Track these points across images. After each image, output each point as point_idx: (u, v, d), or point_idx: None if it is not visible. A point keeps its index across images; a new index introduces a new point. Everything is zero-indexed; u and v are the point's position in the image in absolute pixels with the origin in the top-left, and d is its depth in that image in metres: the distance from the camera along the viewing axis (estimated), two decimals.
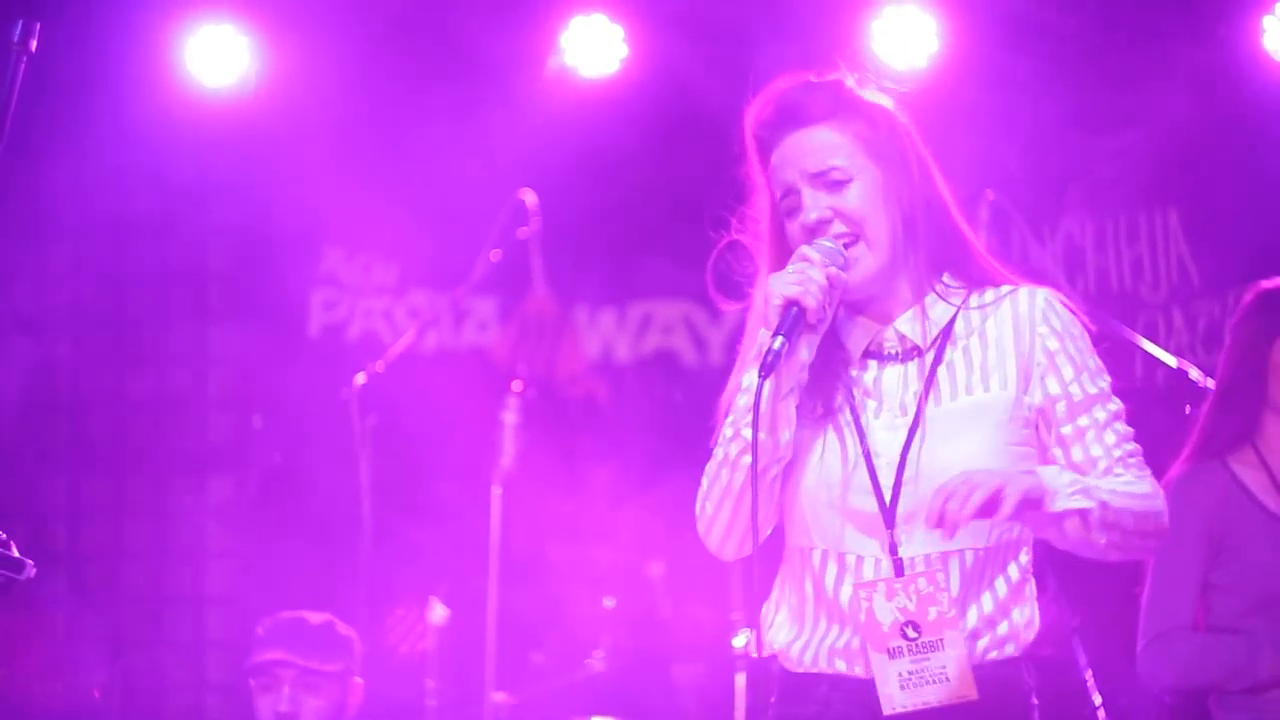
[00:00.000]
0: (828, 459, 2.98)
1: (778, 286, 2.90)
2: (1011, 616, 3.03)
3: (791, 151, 3.05)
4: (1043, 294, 3.04)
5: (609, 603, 6.09)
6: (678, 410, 6.66)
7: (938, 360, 2.99)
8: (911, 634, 2.92)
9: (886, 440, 2.97)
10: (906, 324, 3.01)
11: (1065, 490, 2.85)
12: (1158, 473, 4.09)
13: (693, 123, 6.58)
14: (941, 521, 2.75)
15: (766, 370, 2.85)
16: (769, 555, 3.06)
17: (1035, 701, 3.13)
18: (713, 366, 6.77)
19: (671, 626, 6.20)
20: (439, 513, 6.26)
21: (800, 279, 2.90)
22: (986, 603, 2.98)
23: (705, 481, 3.00)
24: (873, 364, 3.03)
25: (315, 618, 4.64)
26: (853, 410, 2.99)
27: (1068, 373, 3.00)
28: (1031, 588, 3.09)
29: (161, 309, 6.82)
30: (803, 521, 3.00)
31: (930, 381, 2.98)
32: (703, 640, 5.98)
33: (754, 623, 3.10)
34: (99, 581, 6.71)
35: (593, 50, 6.59)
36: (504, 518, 5.46)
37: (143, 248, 6.73)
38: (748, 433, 2.87)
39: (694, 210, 6.74)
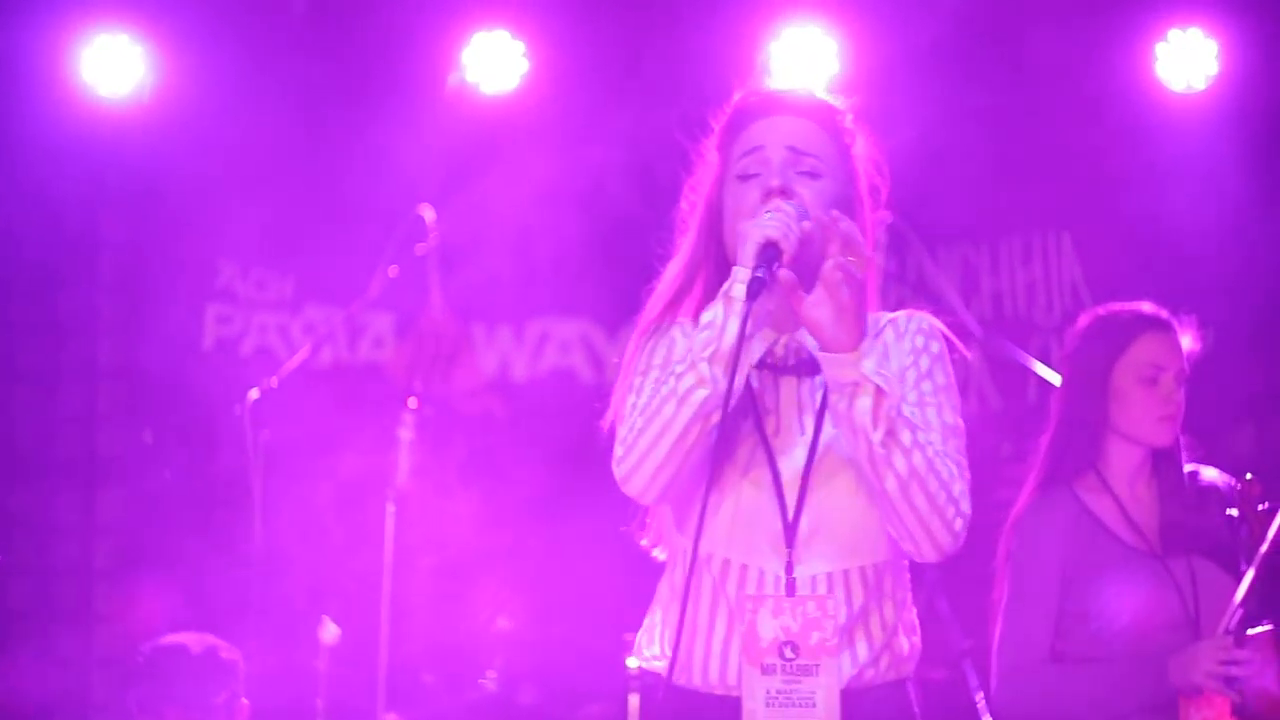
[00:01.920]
0: (735, 465, 2.98)
1: (755, 229, 2.88)
2: (899, 638, 3.07)
3: (782, 126, 3.08)
4: (920, 315, 3.12)
5: (503, 623, 6.06)
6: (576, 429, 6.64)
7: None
8: (789, 654, 2.93)
9: (787, 455, 2.99)
10: (807, 336, 3.01)
11: (879, 369, 2.86)
12: (1004, 502, 4.12)
13: (592, 139, 6.59)
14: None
15: (752, 294, 2.81)
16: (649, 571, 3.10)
17: None
18: (610, 385, 6.75)
19: (565, 647, 6.18)
20: (332, 530, 6.21)
21: (780, 221, 2.88)
22: (876, 624, 3.01)
23: (639, 419, 2.90)
24: (768, 375, 3.05)
25: (197, 645, 4.58)
26: (757, 419, 3.01)
27: (911, 380, 3.02)
28: (913, 611, 3.14)
29: (51, 320, 6.72)
30: (705, 526, 2.92)
31: (824, 402, 2.99)
32: (597, 661, 5.97)
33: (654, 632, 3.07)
34: None
35: (494, 66, 6.57)
36: (398, 536, 5.42)
37: (32, 257, 6.63)
38: (705, 368, 2.83)
39: (592, 228, 6.78)
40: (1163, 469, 4.12)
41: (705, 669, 3.02)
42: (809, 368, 3.04)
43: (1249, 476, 4.00)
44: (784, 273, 2.86)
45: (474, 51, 6.56)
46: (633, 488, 2.94)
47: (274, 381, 5.48)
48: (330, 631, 5.38)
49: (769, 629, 2.93)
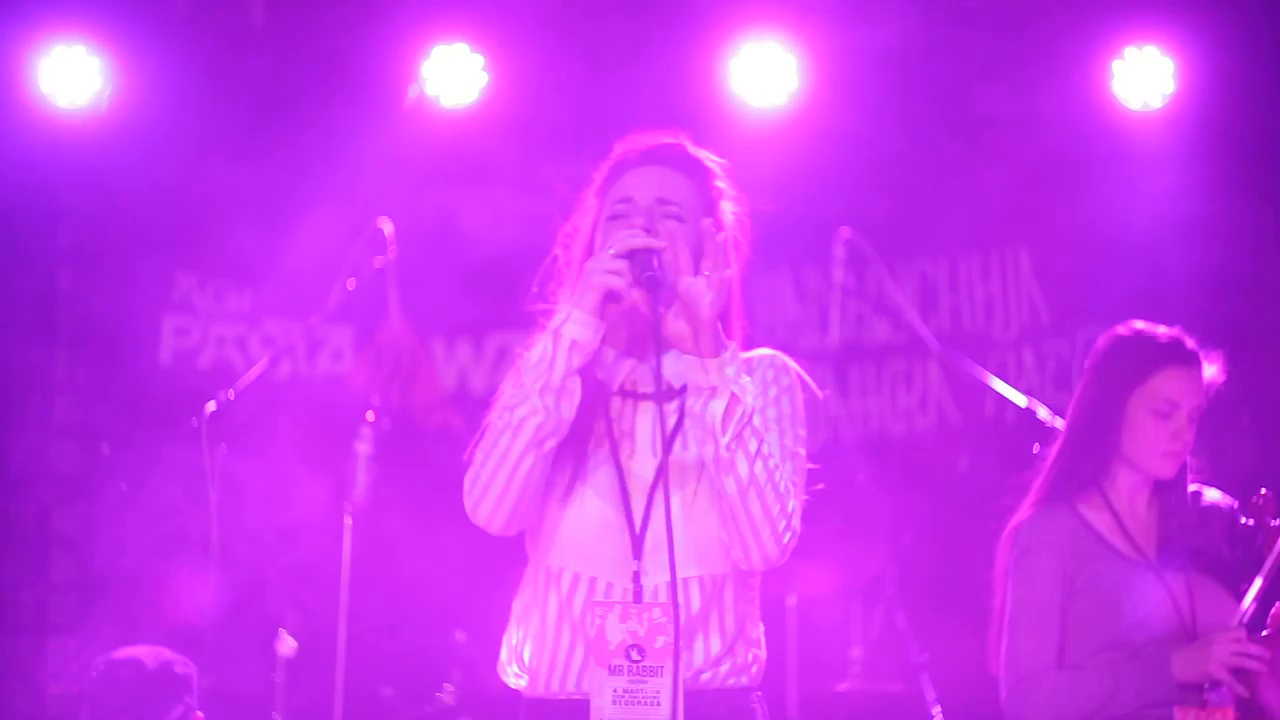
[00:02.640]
0: (588, 486, 3.20)
1: (620, 243, 3.11)
2: (740, 648, 3.25)
3: (651, 177, 3.29)
4: (773, 355, 3.33)
5: (460, 636, 6.04)
6: None
7: (683, 407, 3.17)
8: (635, 656, 3.11)
9: (638, 475, 3.20)
10: (666, 365, 3.17)
11: (736, 379, 3.09)
12: (1005, 511, 4.16)
13: (551, 153, 6.59)
14: None
15: (651, 288, 3.04)
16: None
17: None
18: None
19: None
20: (289, 543, 6.18)
21: (641, 237, 3.12)
22: (715, 631, 3.21)
23: (480, 454, 3.14)
24: (626, 401, 3.26)
25: (151, 659, 4.56)
26: (612, 443, 3.22)
27: (771, 412, 3.24)
28: (760, 624, 3.33)
29: (7, 333, 6.68)
30: (557, 543, 3.21)
31: (679, 427, 3.21)
32: None
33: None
34: None
35: (453, 79, 6.57)
36: (355, 549, 5.41)
37: None
38: (536, 400, 3.07)
39: (551, 242, 6.76)
40: (1166, 490, 4.12)
41: (553, 677, 3.22)
42: (667, 395, 3.22)
43: (1264, 491, 4.04)
44: (636, 292, 3.09)
45: (434, 64, 6.56)
46: (480, 518, 3.18)
47: (231, 394, 5.45)
48: (287, 644, 5.37)
49: (616, 633, 3.12)
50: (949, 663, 5.90)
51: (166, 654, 4.61)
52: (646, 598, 3.14)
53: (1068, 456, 4.14)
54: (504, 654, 3.34)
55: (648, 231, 3.17)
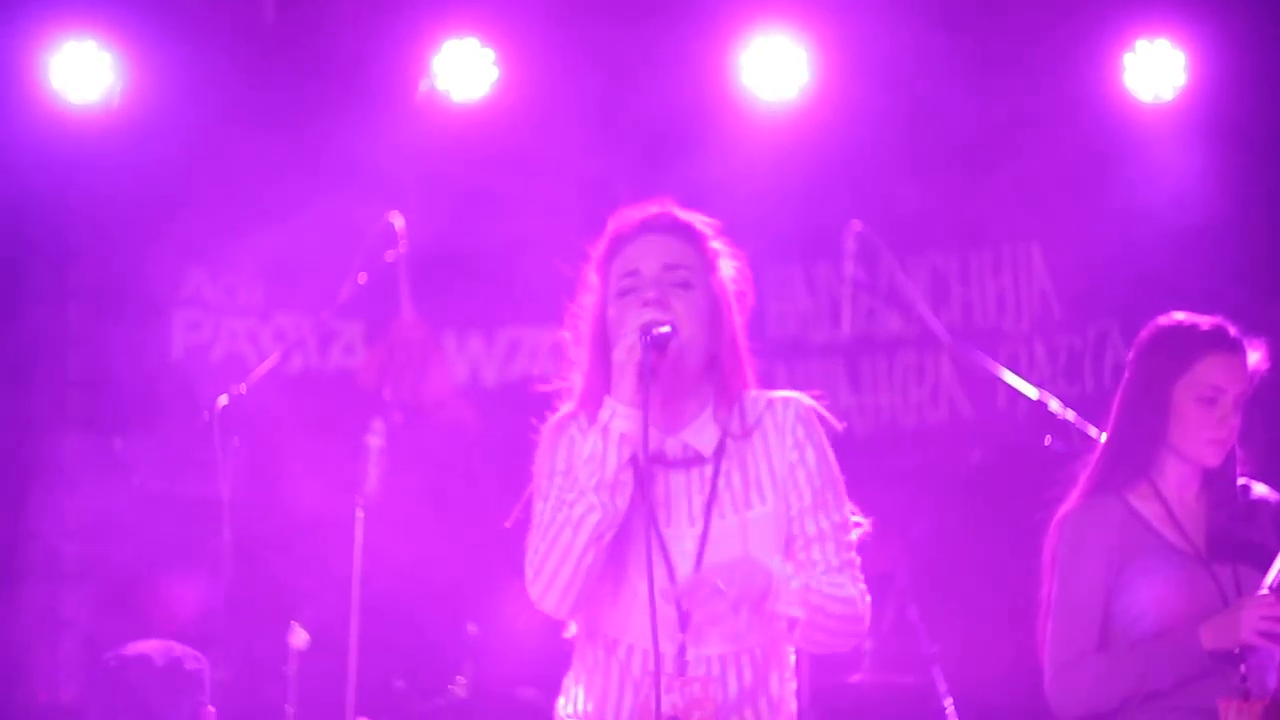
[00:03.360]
0: (632, 562, 3.31)
1: (635, 319, 3.27)
2: (784, 708, 3.41)
3: (650, 247, 3.40)
4: (796, 402, 3.45)
5: (472, 629, 6.05)
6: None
7: (715, 473, 3.37)
8: None
9: (680, 548, 3.33)
10: (692, 434, 3.39)
11: (790, 594, 3.22)
12: (1028, 504, 4.16)
13: (562, 148, 6.59)
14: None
15: (659, 346, 3.22)
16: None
17: None
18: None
19: (535, 653, 6.17)
20: (301, 536, 6.19)
21: (655, 313, 3.27)
22: (763, 701, 3.36)
23: (541, 544, 3.28)
24: (659, 472, 3.37)
25: (161, 657, 4.56)
26: (651, 517, 3.29)
27: (803, 480, 3.40)
28: (793, 686, 3.48)
29: (22, 328, 6.69)
30: (611, 616, 3.36)
31: (714, 494, 3.36)
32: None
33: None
34: None
35: (464, 74, 6.57)
36: (367, 542, 5.41)
37: (2, 265, 6.60)
38: (592, 496, 3.22)
39: (562, 236, 6.77)
40: (1215, 481, 4.12)
41: None
42: (694, 460, 3.39)
43: None
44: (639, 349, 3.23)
45: (444, 59, 6.56)
46: (547, 606, 3.32)
47: (243, 388, 5.45)
48: (300, 637, 5.37)
49: (665, 704, 3.22)
50: (960, 655, 5.90)
51: (177, 650, 4.61)
52: (691, 670, 3.29)
53: (1116, 447, 4.14)
54: (562, 701, 3.49)
55: (659, 302, 3.31)
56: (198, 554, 5.86)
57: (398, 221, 5.62)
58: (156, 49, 6.52)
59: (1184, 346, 4.09)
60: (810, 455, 3.40)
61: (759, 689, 3.36)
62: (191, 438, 5.54)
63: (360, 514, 5.41)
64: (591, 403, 3.38)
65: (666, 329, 3.24)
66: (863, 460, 6.53)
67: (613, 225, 3.48)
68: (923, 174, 6.63)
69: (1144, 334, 4.20)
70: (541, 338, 7.02)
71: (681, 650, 3.29)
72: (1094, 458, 4.19)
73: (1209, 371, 4.05)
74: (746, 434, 3.40)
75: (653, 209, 3.46)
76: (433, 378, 6.80)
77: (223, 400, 5.42)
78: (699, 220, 3.47)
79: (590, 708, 3.40)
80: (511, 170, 6.62)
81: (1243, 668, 3.90)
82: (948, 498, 6.37)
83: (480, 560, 6.14)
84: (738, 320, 3.46)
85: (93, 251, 6.76)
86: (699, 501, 3.35)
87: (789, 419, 3.42)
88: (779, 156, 6.60)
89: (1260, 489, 4.15)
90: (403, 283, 5.71)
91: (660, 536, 3.32)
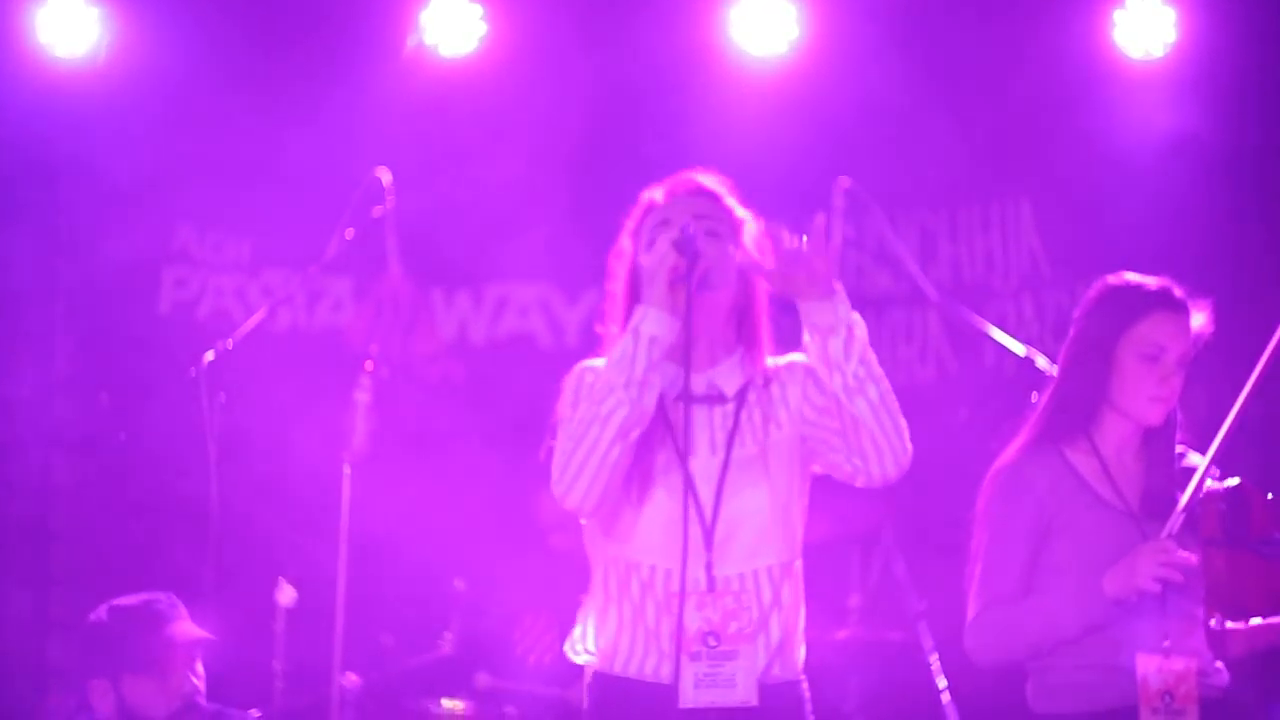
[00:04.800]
0: (658, 487, 3.50)
1: (665, 241, 3.48)
2: (793, 640, 3.61)
3: (679, 203, 3.61)
4: (807, 363, 3.61)
5: (459, 584, 6.05)
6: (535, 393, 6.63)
7: (739, 408, 3.58)
8: (712, 642, 3.45)
9: (702, 474, 3.52)
10: (718, 375, 3.60)
11: (848, 315, 3.47)
12: (993, 457, 4.18)
13: (551, 103, 6.56)
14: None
15: (686, 252, 3.41)
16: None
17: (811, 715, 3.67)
18: (569, 349, 6.73)
19: (520, 610, 6.19)
20: (288, 493, 6.18)
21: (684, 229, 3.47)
22: (775, 625, 3.55)
23: (568, 443, 3.44)
24: (682, 407, 3.52)
25: (96, 615, 4.60)
26: (675, 444, 3.51)
27: (813, 384, 3.60)
28: (803, 619, 3.67)
29: (6, 284, 6.67)
30: (636, 539, 3.52)
31: (736, 426, 3.57)
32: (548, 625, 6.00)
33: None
34: None
35: (452, 29, 6.54)
36: (354, 498, 5.41)
37: None
38: (621, 393, 3.39)
39: (551, 192, 6.76)
40: (1153, 442, 4.12)
41: (641, 660, 3.52)
42: (717, 399, 3.59)
43: (1270, 496, 4.00)
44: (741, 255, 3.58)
45: (432, 14, 6.53)
46: (571, 501, 3.47)
47: (229, 344, 5.43)
48: (287, 594, 5.37)
49: (694, 621, 3.44)
50: (947, 611, 5.90)
51: (104, 613, 4.65)
52: (718, 587, 3.47)
53: (1057, 402, 4.16)
54: (578, 632, 3.66)
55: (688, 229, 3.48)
56: (184, 511, 5.84)
57: (385, 177, 5.58)
58: (144, 3, 6.49)
59: (1129, 304, 4.10)
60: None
61: (775, 604, 3.54)
62: (178, 394, 5.51)
63: (347, 470, 5.41)
64: None
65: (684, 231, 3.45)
66: None
67: (644, 197, 3.67)
68: (912, 130, 6.61)
69: (1091, 291, 4.21)
70: (530, 294, 7.01)
71: (709, 567, 3.47)
72: (1036, 413, 4.20)
73: (1153, 329, 4.06)
74: (767, 383, 3.60)
75: (682, 178, 3.66)
76: (421, 334, 6.79)
77: (209, 356, 5.40)
78: (719, 186, 3.67)
79: (611, 635, 3.55)
80: (500, 126, 6.59)
81: (1166, 623, 3.91)
82: (935, 455, 6.35)
83: (467, 516, 6.16)
84: (763, 285, 3.62)
85: (79, 208, 6.73)
86: (721, 434, 3.55)
87: (800, 371, 3.63)
88: (768, 112, 6.58)
89: (1195, 458, 4.15)
90: (390, 239, 5.68)
91: (685, 465, 3.48)
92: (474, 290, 7.02)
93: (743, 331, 3.66)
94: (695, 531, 3.46)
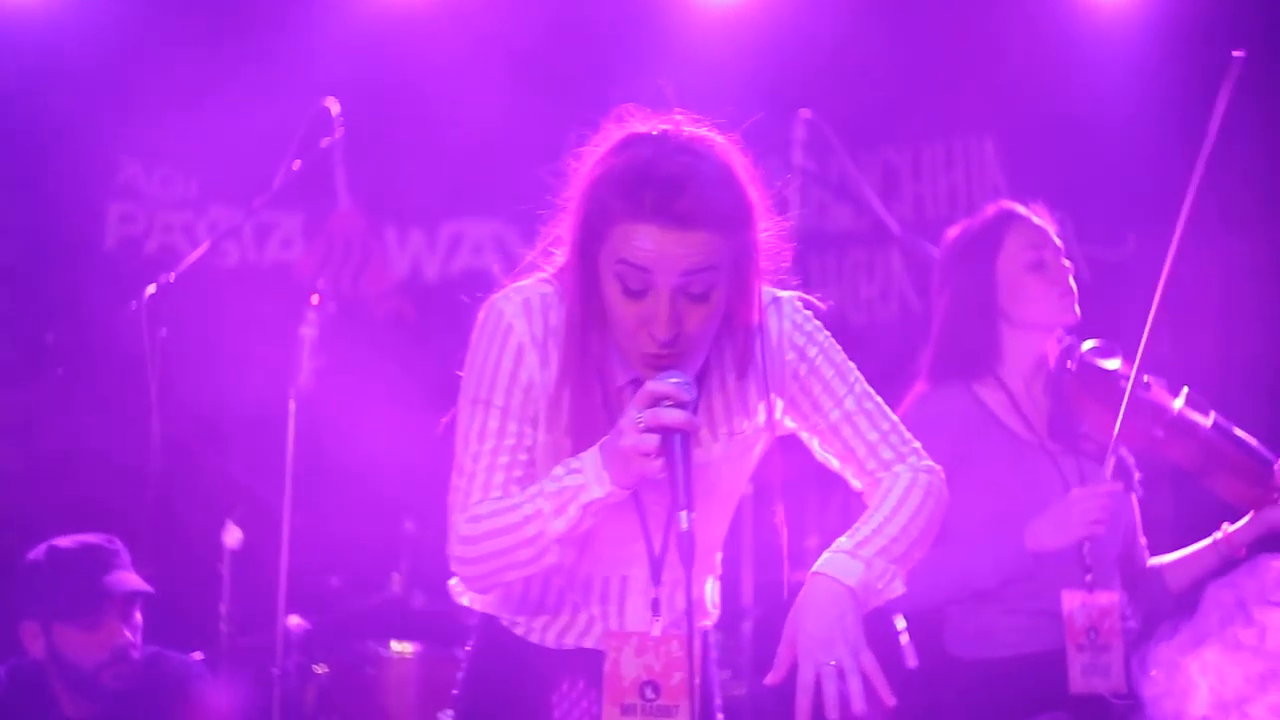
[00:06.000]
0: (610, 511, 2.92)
1: (650, 419, 2.76)
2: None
3: (674, 249, 2.79)
4: (788, 311, 3.05)
5: (409, 525, 5.96)
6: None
7: (694, 408, 2.85)
8: (650, 695, 2.94)
9: (652, 498, 2.98)
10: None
11: (876, 582, 3.01)
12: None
13: (505, 37, 6.44)
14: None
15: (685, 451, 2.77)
16: None
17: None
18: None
19: None
20: (233, 430, 6.08)
21: (674, 415, 2.77)
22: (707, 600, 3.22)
23: (485, 544, 2.90)
24: (628, 394, 2.95)
25: (35, 554, 4.54)
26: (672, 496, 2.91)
27: (805, 372, 3.06)
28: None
29: None
30: (591, 553, 3.03)
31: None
32: None
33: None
34: None
35: None
36: (301, 437, 5.30)
37: None
38: (556, 549, 2.87)
39: (506, 127, 6.64)
40: (1058, 373, 4.14)
41: (549, 632, 3.10)
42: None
43: (1147, 379, 4.09)
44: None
45: None
46: (473, 589, 3.08)
47: (171, 277, 5.29)
48: (233, 534, 5.26)
49: (631, 669, 2.95)
50: None
51: (38, 554, 4.56)
52: (662, 608, 3.00)
53: (949, 341, 4.18)
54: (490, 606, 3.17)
55: (670, 344, 2.82)
56: (124, 450, 5.72)
57: (334, 107, 5.44)
58: None
59: (986, 228, 4.19)
60: (829, 357, 3.06)
61: (702, 597, 3.18)
62: (121, 329, 5.38)
63: (292, 405, 5.30)
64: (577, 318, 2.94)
65: (682, 415, 2.77)
66: None
67: (635, 181, 2.83)
68: (875, 68, 6.54)
69: (946, 240, 4.29)
70: (484, 231, 6.90)
71: (655, 605, 3.01)
72: (931, 342, 4.21)
73: (1020, 238, 4.13)
74: (738, 365, 3.01)
75: (662, 126, 2.92)
76: (372, 271, 6.68)
77: (150, 290, 5.26)
78: (748, 193, 2.90)
79: (528, 607, 3.12)
80: (455, 60, 6.47)
81: (1087, 560, 3.92)
82: (897, 394, 6.27)
83: (416, 455, 6.04)
84: (763, 274, 2.98)
85: (24, 143, 6.59)
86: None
87: (786, 329, 3.03)
88: (731, 50, 6.50)
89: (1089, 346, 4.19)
90: (338, 170, 5.55)
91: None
92: (428, 227, 6.92)
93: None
94: (642, 562, 3.04)
